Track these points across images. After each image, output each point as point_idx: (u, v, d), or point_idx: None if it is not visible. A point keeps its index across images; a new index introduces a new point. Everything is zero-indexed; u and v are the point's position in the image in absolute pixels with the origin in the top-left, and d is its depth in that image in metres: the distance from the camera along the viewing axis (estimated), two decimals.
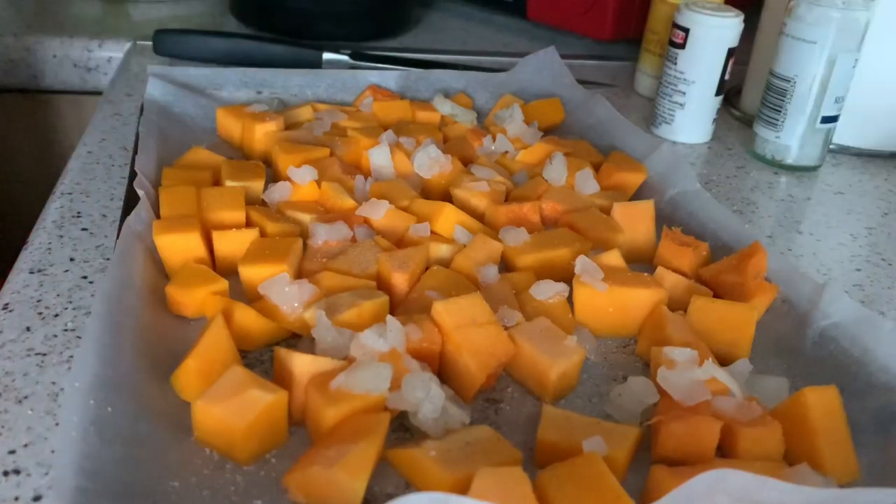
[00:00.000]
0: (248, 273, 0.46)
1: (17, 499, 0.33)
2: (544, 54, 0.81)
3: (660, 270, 0.50)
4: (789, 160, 0.73)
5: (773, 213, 0.66)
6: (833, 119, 0.71)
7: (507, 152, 0.67)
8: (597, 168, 0.63)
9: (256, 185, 0.56)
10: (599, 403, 0.43)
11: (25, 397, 0.38)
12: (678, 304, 0.49)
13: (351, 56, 0.83)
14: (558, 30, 1.03)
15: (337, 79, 0.76)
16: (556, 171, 0.60)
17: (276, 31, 0.92)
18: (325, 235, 0.50)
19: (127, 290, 0.41)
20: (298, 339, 0.45)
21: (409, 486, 0.36)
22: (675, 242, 0.53)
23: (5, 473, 0.34)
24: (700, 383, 0.40)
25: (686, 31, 0.73)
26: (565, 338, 0.43)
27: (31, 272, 0.47)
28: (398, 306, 0.47)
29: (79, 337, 0.42)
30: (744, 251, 0.50)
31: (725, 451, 0.39)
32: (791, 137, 0.72)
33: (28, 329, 0.43)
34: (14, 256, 0.49)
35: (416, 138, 0.65)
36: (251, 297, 0.46)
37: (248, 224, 0.52)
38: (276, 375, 0.40)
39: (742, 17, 0.73)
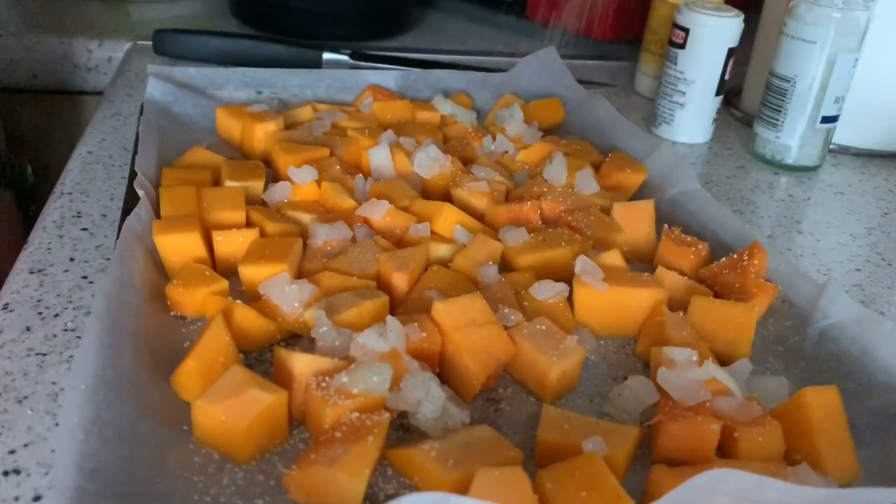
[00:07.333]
0: (248, 273, 0.46)
1: (17, 499, 0.33)
2: (544, 54, 0.81)
3: (660, 270, 0.50)
4: (789, 160, 0.73)
5: (773, 213, 0.66)
6: (833, 119, 0.71)
7: (507, 152, 0.67)
8: (597, 168, 0.63)
9: (256, 185, 0.56)
10: (599, 403, 0.43)
11: (25, 397, 0.38)
12: (678, 304, 0.49)
13: (351, 56, 0.83)
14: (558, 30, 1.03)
15: (337, 79, 0.76)
16: (556, 171, 0.60)
17: (276, 31, 0.92)
18: (325, 235, 0.50)
19: (127, 289, 0.41)
20: (298, 339, 0.45)
21: (409, 486, 0.36)
22: (675, 242, 0.53)
23: (5, 473, 0.34)
24: (700, 383, 0.40)
25: (686, 31, 0.73)
26: (565, 338, 0.43)
27: (31, 272, 0.47)
28: (398, 306, 0.47)
29: (79, 337, 0.42)
30: (744, 251, 0.50)
31: (725, 451, 0.39)
32: (791, 137, 0.72)
33: (28, 329, 0.43)
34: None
35: (416, 138, 0.65)
36: (251, 297, 0.46)
37: (248, 224, 0.52)
38: (276, 375, 0.40)
39: (742, 17, 0.73)
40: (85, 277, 0.48)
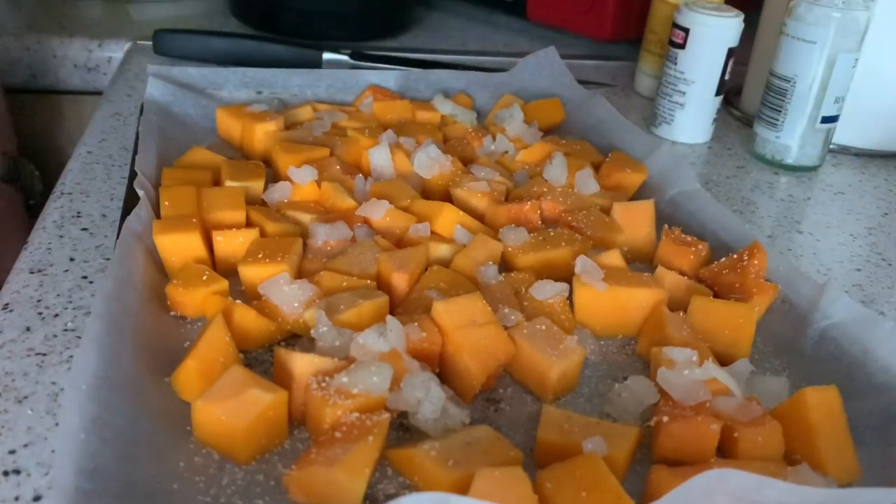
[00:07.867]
0: (248, 273, 0.46)
1: (17, 499, 0.33)
2: (544, 54, 0.81)
3: (660, 270, 0.50)
4: (789, 160, 0.73)
5: (773, 213, 0.66)
6: (833, 119, 0.71)
7: (507, 152, 0.67)
8: (597, 168, 0.63)
9: (256, 185, 0.56)
10: (599, 403, 0.43)
11: (25, 397, 0.38)
12: (678, 304, 0.49)
13: (351, 56, 0.83)
14: (558, 30, 1.03)
15: (337, 79, 0.76)
16: (556, 171, 0.60)
17: (276, 31, 0.92)
18: (325, 235, 0.50)
19: (127, 290, 0.41)
20: (298, 339, 0.45)
21: (409, 486, 0.36)
22: (675, 242, 0.53)
23: (5, 473, 0.34)
24: (700, 383, 0.40)
25: (686, 31, 0.73)
26: (565, 338, 0.43)
27: (31, 272, 0.47)
28: (398, 306, 0.47)
29: (79, 337, 0.42)
30: (744, 251, 0.50)
31: (725, 451, 0.39)
32: (791, 137, 0.72)
33: (28, 329, 0.43)
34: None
35: (416, 138, 0.65)
36: (251, 297, 0.46)
37: (248, 224, 0.52)
38: (276, 375, 0.40)
39: (742, 17, 0.73)
40: (85, 277, 0.48)
